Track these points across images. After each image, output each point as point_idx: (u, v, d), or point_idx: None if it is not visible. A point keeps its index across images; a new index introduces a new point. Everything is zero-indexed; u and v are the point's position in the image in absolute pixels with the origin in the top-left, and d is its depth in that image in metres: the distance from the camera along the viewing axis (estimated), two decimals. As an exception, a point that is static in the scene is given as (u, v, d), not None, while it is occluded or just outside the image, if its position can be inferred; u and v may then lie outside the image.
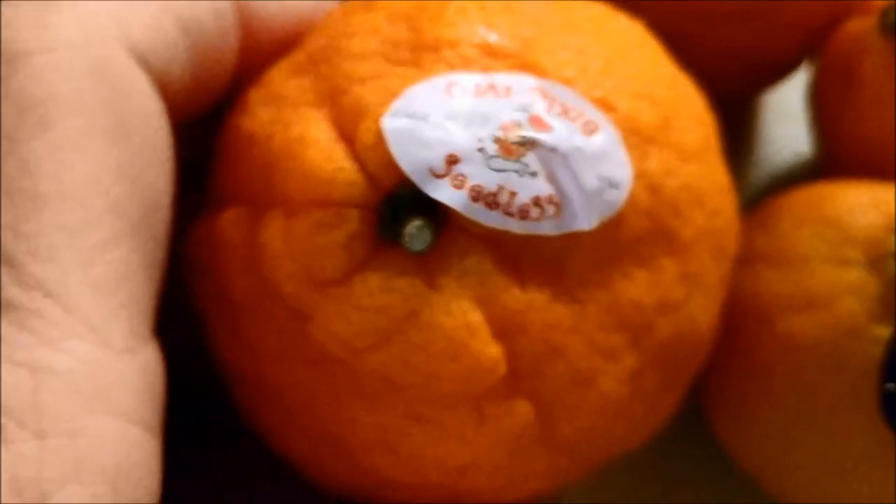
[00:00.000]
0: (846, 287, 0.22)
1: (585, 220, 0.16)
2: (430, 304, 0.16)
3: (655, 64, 0.19)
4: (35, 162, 0.15)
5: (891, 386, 0.21)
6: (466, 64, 0.17)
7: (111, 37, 0.16)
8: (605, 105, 0.17)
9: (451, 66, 0.16)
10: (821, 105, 0.29)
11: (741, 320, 0.23)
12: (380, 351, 0.16)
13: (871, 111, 0.26)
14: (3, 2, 0.16)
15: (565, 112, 0.16)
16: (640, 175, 0.17)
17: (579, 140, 0.16)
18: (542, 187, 0.16)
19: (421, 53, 0.17)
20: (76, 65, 0.15)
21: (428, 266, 0.16)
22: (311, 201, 0.16)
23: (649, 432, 0.20)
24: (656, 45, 0.20)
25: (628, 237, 0.17)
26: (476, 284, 0.16)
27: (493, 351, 0.16)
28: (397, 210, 0.16)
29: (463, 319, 0.16)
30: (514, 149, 0.16)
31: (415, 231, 0.15)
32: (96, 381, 0.14)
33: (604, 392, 0.17)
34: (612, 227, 0.17)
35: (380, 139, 0.16)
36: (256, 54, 0.19)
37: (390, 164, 0.16)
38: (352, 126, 0.16)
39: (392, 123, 0.16)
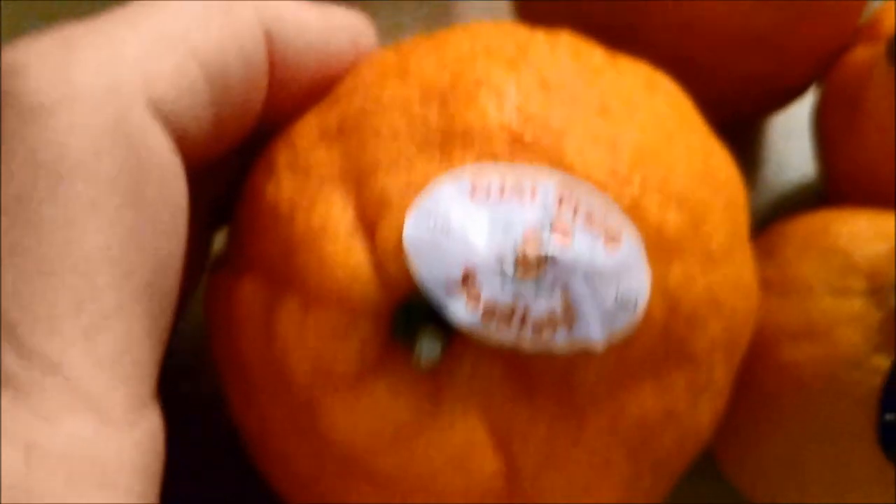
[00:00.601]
0: (848, 316, 0.22)
1: (598, 339, 0.16)
2: (434, 417, 0.16)
3: (690, 150, 0.18)
4: (45, 227, 0.14)
5: (889, 416, 0.21)
6: (494, 156, 0.16)
7: (133, 91, 0.15)
8: (632, 211, 0.16)
9: (479, 158, 0.16)
10: (824, 131, 0.29)
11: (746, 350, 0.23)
12: (383, 455, 0.16)
13: (875, 139, 0.26)
14: (24, 42, 0.15)
15: (589, 219, 0.16)
16: (659, 289, 0.16)
17: (600, 255, 0.16)
18: (558, 304, 0.15)
19: (450, 141, 0.16)
20: (95, 122, 0.15)
21: (436, 376, 0.16)
22: (328, 298, 0.16)
23: None
24: (692, 119, 0.19)
25: (640, 353, 0.17)
26: (483, 397, 0.16)
27: (492, 465, 0.16)
28: (411, 317, 0.16)
29: (466, 436, 0.16)
30: (533, 266, 0.15)
31: (426, 343, 0.15)
32: (92, 459, 0.14)
33: (597, 500, 0.17)
34: (624, 344, 0.16)
35: (400, 243, 0.16)
36: (285, 97, 0.19)
37: (408, 272, 0.15)
38: (374, 217, 0.16)
39: (413, 232, 0.15)
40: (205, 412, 0.21)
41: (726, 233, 0.18)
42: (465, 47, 0.18)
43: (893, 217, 0.24)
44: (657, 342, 0.17)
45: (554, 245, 0.15)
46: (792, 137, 0.34)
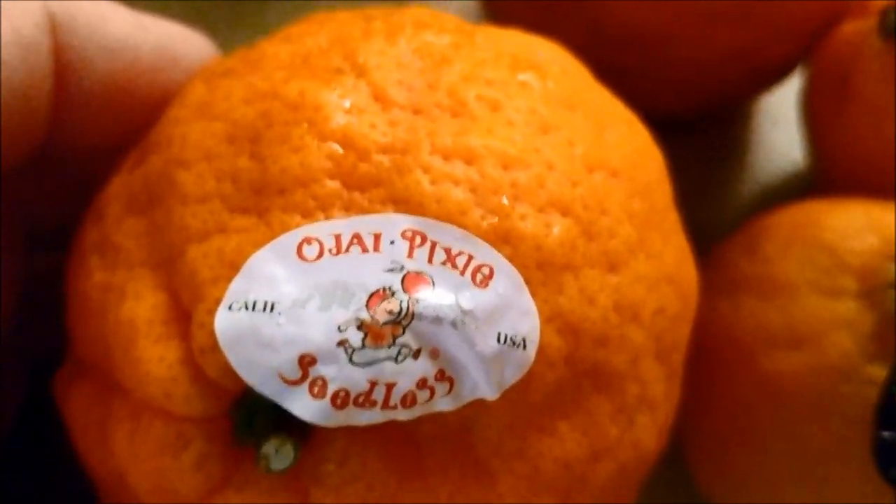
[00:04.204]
0: (838, 321, 0.19)
1: (488, 389, 0.13)
2: None
3: (571, 138, 0.16)
4: None
5: (886, 434, 0.19)
6: (324, 207, 0.14)
7: None
8: (501, 236, 0.14)
9: (305, 214, 0.14)
10: (812, 113, 0.26)
11: (721, 356, 0.21)
12: None
13: (867, 121, 0.24)
14: None
15: (450, 259, 0.13)
16: (551, 317, 0.14)
17: (469, 297, 0.13)
18: (428, 367, 0.13)
19: (266, 198, 0.14)
20: None
21: (299, 478, 0.14)
22: (151, 407, 0.14)
23: None
24: (577, 95, 0.17)
25: (544, 392, 0.14)
26: (362, 489, 0.13)
27: None
28: (252, 417, 0.13)
29: None
30: (385, 331, 0.13)
31: (273, 451, 0.13)
32: None
33: None
34: (521, 387, 0.14)
35: (215, 338, 0.13)
36: (85, 108, 0.17)
37: (233, 371, 0.13)
38: (188, 305, 0.14)
39: (227, 322, 0.13)
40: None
41: (633, 224, 0.16)
42: (282, 60, 0.16)
43: (887, 207, 0.21)
44: (561, 375, 0.14)
45: (408, 300, 0.13)
46: (780, 123, 0.32)
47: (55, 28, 0.16)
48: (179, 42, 0.18)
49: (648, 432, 0.16)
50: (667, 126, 0.22)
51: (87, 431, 0.15)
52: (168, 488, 0.14)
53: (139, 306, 0.14)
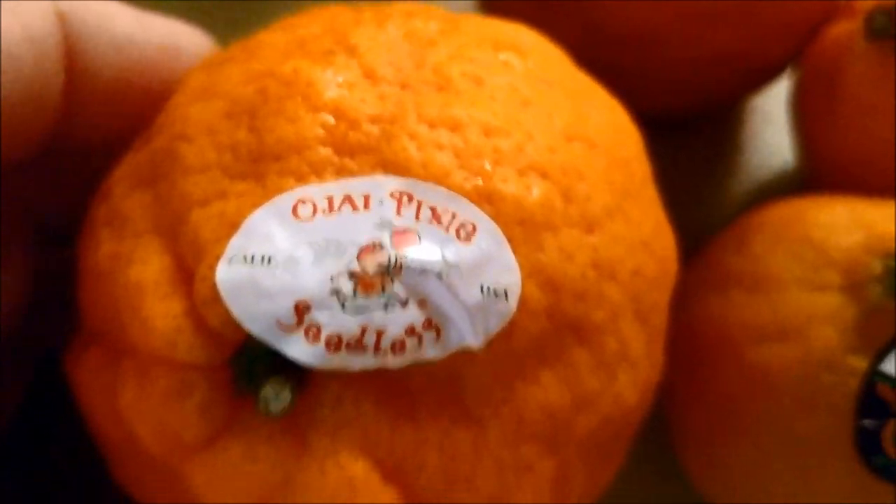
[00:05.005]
0: (822, 314, 0.20)
1: (473, 338, 0.14)
2: (302, 466, 0.14)
3: (552, 112, 0.17)
4: None
5: (867, 422, 0.19)
6: (317, 171, 0.15)
7: None
8: (484, 196, 0.15)
9: (300, 178, 0.15)
10: (802, 114, 0.27)
11: (709, 348, 0.21)
12: None
13: (855, 121, 0.24)
14: None
15: (435, 217, 0.14)
16: (532, 272, 0.15)
17: (453, 251, 0.14)
18: (415, 315, 0.14)
19: (263, 164, 0.15)
20: None
21: (297, 423, 0.14)
22: (156, 359, 0.14)
23: None
24: (558, 75, 0.18)
25: (525, 343, 0.15)
26: (357, 432, 0.14)
27: (385, 498, 0.15)
28: (252, 364, 0.14)
29: (343, 475, 0.14)
30: (375, 281, 0.14)
31: (272, 393, 0.14)
32: None
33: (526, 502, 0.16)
34: (504, 337, 0.15)
35: (217, 290, 0.14)
36: (93, 102, 0.17)
37: (233, 319, 0.14)
38: (191, 264, 0.15)
39: (227, 274, 0.14)
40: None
41: (611, 191, 0.16)
42: (278, 46, 0.17)
43: (872, 204, 0.22)
44: (542, 326, 0.15)
45: (397, 253, 0.14)
46: (773, 122, 0.32)
47: (65, 25, 0.16)
48: (182, 38, 0.18)
49: (630, 389, 0.17)
50: (660, 125, 0.23)
51: (96, 395, 0.16)
52: (172, 434, 0.14)
53: (146, 270, 0.15)
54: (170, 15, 0.19)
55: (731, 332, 0.21)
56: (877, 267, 0.20)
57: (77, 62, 0.17)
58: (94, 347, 0.16)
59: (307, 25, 0.17)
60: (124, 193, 0.16)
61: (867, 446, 0.19)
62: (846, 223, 0.21)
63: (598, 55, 0.23)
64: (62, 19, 0.16)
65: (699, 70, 0.27)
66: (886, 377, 0.19)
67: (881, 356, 0.20)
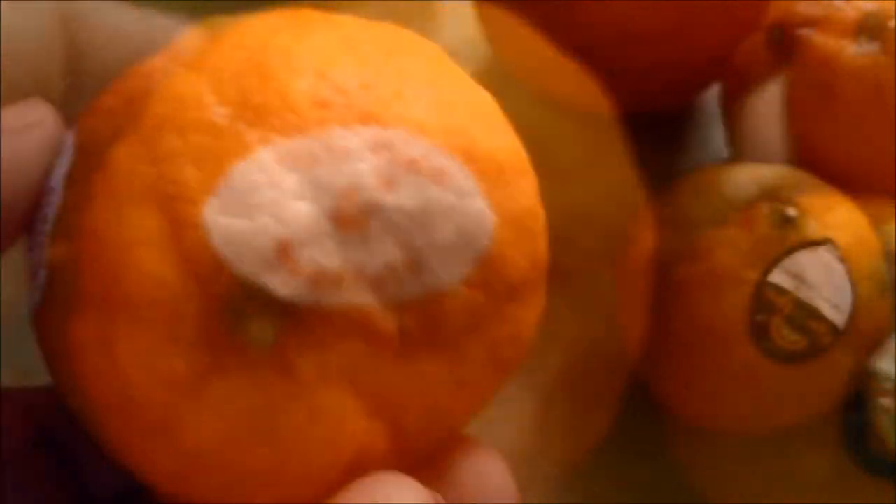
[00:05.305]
0: (725, 241, 0.28)
1: (449, 278, 0.16)
2: (290, 400, 0.15)
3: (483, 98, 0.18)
4: None
5: (759, 317, 0.27)
6: (299, 127, 0.15)
7: None
8: (459, 148, 0.16)
9: (284, 133, 0.15)
10: (793, 116, 0.32)
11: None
12: (252, 452, 0.16)
13: (848, 125, 0.30)
14: None
15: (412, 165, 0.15)
16: (504, 216, 0.16)
17: (428, 194, 0.15)
18: (395, 254, 0.15)
19: (249, 121, 0.16)
20: None
21: (285, 359, 0.15)
22: (146, 306, 0.15)
23: None
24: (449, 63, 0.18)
25: (504, 284, 0.16)
26: (343, 365, 0.15)
27: (369, 430, 0.16)
28: (239, 302, 0.15)
29: (331, 410, 0.15)
30: (355, 219, 0.15)
31: (258, 329, 0.15)
32: None
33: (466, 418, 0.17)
34: (481, 277, 0.16)
35: (204, 235, 0.15)
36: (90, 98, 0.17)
37: (219, 261, 0.15)
38: (180, 217, 0.15)
39: (213, 216, 0.15)
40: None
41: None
42: (258, 30, 0.17)
43: (775, 169, 0.30)
44: (522, 264, 0.17)
45: (376, 195, 0.15)
46: (717, 123, 0.38)
47: (67, 23, 0.17)
48: (182, 36, 0.18)
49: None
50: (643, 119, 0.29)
51: (92, 354, 0.16)
52: (162, 376, 0.15)
53: (135, 225, 0.15)
54: (170, 15, 0.19)
55: (661, 256, 0.29)
56: (766, 209, 0.28)
57: (78, 59, 0.17)
58: (91, 310, 0.16)
59: (281, 17, 0.18)
60: (117, 169, 0.16)
61: (759, 334, 0.27)
62: (747, 180, 0.29)
63: (594, 55, 0.30)
64: (65, 16, 0.17)
65: (637, 80, 0.33)
66: (772, 285, 0.27)
67: (767, 271, 0.27)
